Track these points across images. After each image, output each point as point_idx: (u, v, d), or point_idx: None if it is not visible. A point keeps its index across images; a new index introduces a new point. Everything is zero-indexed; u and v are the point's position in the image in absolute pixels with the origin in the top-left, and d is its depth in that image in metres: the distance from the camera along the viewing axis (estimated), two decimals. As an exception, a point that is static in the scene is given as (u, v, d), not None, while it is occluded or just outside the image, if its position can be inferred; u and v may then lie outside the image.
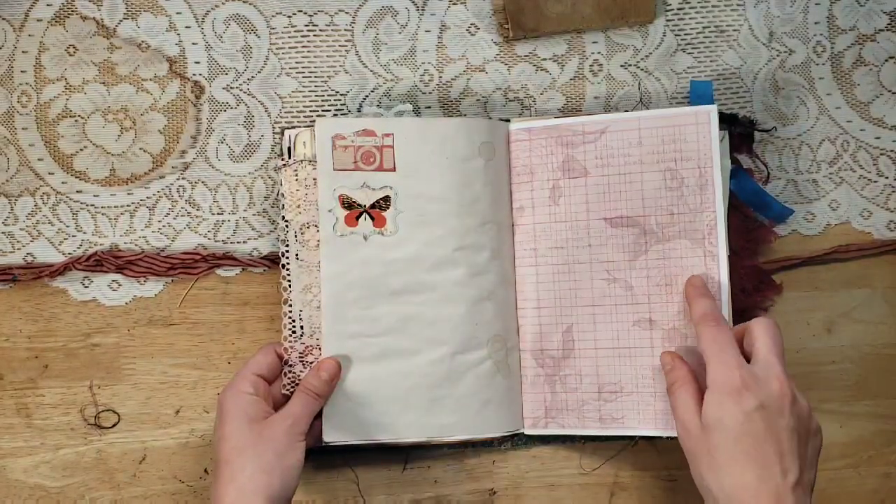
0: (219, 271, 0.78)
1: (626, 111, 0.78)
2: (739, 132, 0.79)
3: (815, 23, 0.81)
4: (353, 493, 0.78)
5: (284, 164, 0.74)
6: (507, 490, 0.79)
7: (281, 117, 0.78)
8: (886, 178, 0.81)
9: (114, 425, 0.77)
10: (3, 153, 0.77)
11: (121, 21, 0.77)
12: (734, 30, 0.80)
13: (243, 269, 0.78)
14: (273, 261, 0.77)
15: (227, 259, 0.77)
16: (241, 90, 0.78)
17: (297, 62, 0.78)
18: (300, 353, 0.73)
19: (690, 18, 0.80)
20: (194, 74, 0.78)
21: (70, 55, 0.77)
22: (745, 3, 0.80)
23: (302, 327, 0.73)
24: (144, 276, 0.77)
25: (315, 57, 0.78)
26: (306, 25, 0.78)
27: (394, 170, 0.73)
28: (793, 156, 0.81)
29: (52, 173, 0.77)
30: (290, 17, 0.78)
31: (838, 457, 0.80)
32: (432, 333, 0.73)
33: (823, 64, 0.81)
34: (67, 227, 0.77)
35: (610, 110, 0.80)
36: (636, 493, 0.79)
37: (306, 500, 0.78)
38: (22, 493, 0.76)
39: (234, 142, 0.78)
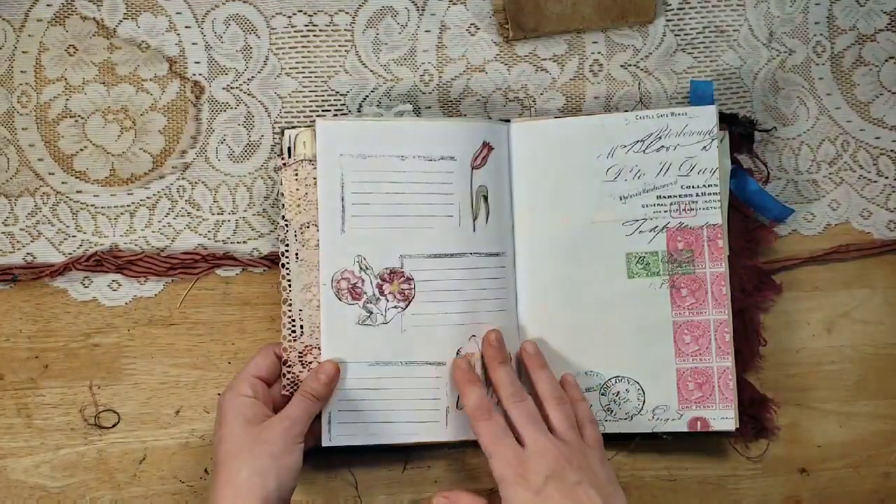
0: (219, 271, 0.78)
1: (626, 111, 0.78)
2: (739, 132, 0.79)
3: (815, 23, 0.81)
4: (352, 493, 0.78)
5: (284, 164, 0.74)
6: (507, 490, 0.79)
7: (281, 117, 0.78)
8: (886, 178, 0.81)
9: (114, 425, 0.77)
10: (3, 153, 0.77)
11: (121, 21, 0.77)
12: (734, 30, 0.80)
13: (243, 269, 0.78)
14: (273, 261, 0.77)
15: (227, 259, 0.77)
16: (241, 90, 0.78)
17: (297, 62, 0.78)
18: (299, 352, 0.73)
19: (690, 18, 0.80)
20: (194, 74, 0.78)
21: (70, 55, 0.77)
22: (745, 3, 0.80)
23: (301, 327, 0.73)
24: (144, 277, 0.77)
25: (315, 57, 0.78)
26: (306, 25, 0.78)
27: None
28: (793, 156, 0.81)
29: (53, 173, 0.77)
30: (290, 17, 0.78)
31: (838, 457, 0.81)
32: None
33: (823, 64, 0.81)
34: (67, 227, 0.77)
35: (610, 110, 0.80)
36: (636, 492, 0.79)
37: (306, 500, 0.78)
38: (22, 493, 0.76)
39: (234, 142, 0.78)
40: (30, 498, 0.76)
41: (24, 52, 0.77)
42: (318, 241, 0.73)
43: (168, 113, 0.78)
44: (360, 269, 0.73)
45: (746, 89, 0.81)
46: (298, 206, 0.74)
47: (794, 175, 0.81)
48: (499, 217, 0.76)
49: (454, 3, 0.79)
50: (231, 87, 0.78)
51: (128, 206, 0.77)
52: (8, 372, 0.76)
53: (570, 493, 0.65)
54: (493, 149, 0.75)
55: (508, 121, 0.77)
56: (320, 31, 0.79)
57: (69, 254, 0.77)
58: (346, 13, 0.79)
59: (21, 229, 0.77)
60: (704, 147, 0.75)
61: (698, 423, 0.75)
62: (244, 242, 0.78)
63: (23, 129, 0.77)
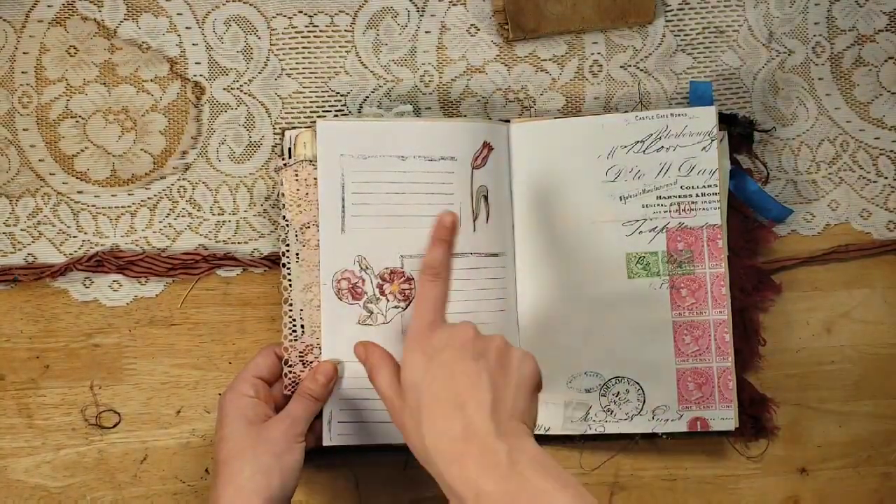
0: (219, 272, 0.78)
1: (626, 112, 0.78)
2: (739, 133, 0.79)
3: (815, 23, 0.81)
4: (352, 493, 0.78)
5: (285, 165, 0.74)
6: (508, 490, 0.79)
7: (281, 118, 0.78)
8: (886, 178, 0.81)
9: (115, 425, 0.77)
10: (5, 154, 0.77)
11: (121, 22, 0.77)
12: (734, 30, 0.81)
13: (244, 270, 0.78)
14: (274, 261, 0.77)
15: (228, 259, 0.78)
16: (241, 91, 0.78)
17: (297, 63, 0.78)
18: (300, 352, 0.73)
19: (690, 19, 0.81)
20: (195, 75, 0.78)
21: (71, 56, 0.77)
22: (745, 3, 0.81)
23: (302, 327, 0.73)
24: (145, 277, 0.77)
25: (315, 58, 0.79)
26: (306, 26, 0.79)
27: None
28: (792, 156, 0.81)
29: (53, 174, 0.77)
30: (290, 18, 0.78)
31: (838, 456, 0.81)
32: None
33: (823, 64, 0.81)
34: (68, 227, 0.77)
35: (610, 111, 0.80)
36: (636, 492, 0.79)
37: (306, 500, 0.78)
38: (23, 494, 0.76)
39: (235, 142, 0.78)
40: (31, 498, 0.76)
41: (24, 52, 0.77)
42: (319, 241, 0.73)
43: (169, 114, 0.78)
44: (361, 268, 0.73)
45: (746, 90, 0.81)
46: (299, 206, 0.74)
47: (793, 175, 0.81)
48: (499, 217, 0.76)
49: (454, 4, 0.79)
50: (232, 88, 0.78)
51: (129, 206, 0.77)
52: (9, 372, 0.77)
53: (463, 371, 0.60)
54: (493, 149, 0.76)
55: (508, 121, 0.78)
56: (321, 31, 0.79)
57: (70, 254, 0.77)
58: (347, 14, 0.79)
59: (22, 230, 0.77)
60: (704, 147, 0.75)
61: (698, 423, 0.76)
62: (245, 243, 0.78)
63: (24, 129, 0.77)
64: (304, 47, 0.79)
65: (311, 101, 0.78)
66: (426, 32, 0.79)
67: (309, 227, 0.73)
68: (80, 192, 0.77)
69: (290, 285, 0.73)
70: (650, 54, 0.80)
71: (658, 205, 0.76)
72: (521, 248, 0.77)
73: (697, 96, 0.79)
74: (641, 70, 0.80)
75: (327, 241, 0.73)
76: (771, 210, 0.79)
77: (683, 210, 0.76)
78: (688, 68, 0.81)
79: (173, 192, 0.78)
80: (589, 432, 0.76)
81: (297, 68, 0.78)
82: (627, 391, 0.76)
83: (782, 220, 0.80)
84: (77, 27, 0.77)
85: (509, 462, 0.56)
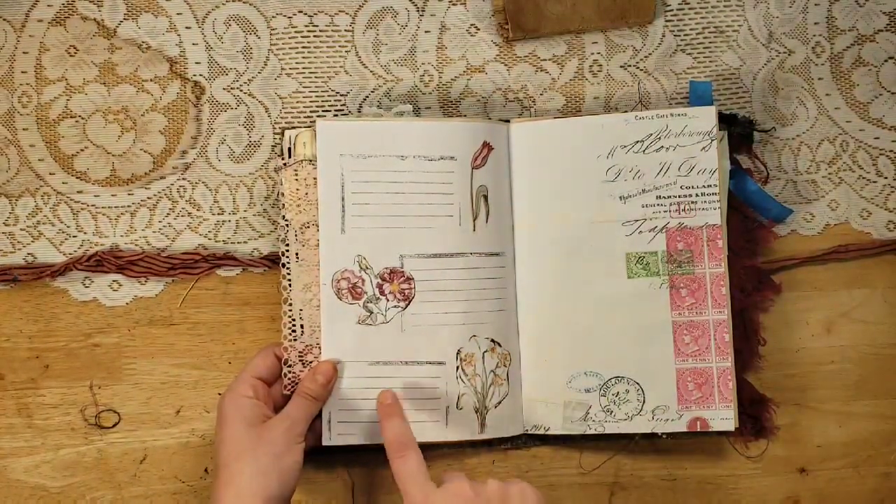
0: (219, 271, 0.78)
1: (626, 111, 0.78)
2: (739, 132, 0.79)
3: (815, 23, 0.81)
4: (351, 493, 0.78)
5: (285, 164, 0.74)
6: (507, 490, 0.79)
7: (281, 118, 0.78)
8: (885, 178, 0.81)
9: (114, 425, 0.77)
10: (4, 153, 0.77)
11: (121, 22, 0.77)
12: (733, 30, 0.81)
13: (244, 270, 0.78)
14: (273, 261, 0.77)
15: (228, 259, 0.78)
16: (241, 91, 0.78)
17: (297, 63, 0.78)
18: (300, 352, 0.73)
19: (690, 19, 0.81)
20: (195, 75, 0.78)
21: (71, 56, 0.77)
22: (745, 3, 0.81)
23: (302, 326, 0.73)
24: (145, 277, 0.77)
25: (315, 58, 0.79)
26: (306, 26, 0.79)
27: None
28: (792, 156, 0.81)
29: (53, 174, 0.77)
30: (290, 17, 0.78)
31: (838, 457, 0.81)
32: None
33: (823, 64, 0.81)
34: (68, 227, 0.77)
35: (610, 111, 0.80)
36: (636, 492, 0.79)
37: (306, 500, 0.78)
38: (23, 493, 0.76)
39: (235, 142, 0.78)
40: (30, 498, 0.76)
41: (24, 52, 0.77)
42: (319, 240, 0.73)
43: (168, 113, 0.78)
44: (361, 268, 0.73)
45: (746, 90, 0.81)
46: (298, 206, 0.74)
47: (793, 175, 0.81)
48: (499, 217, 0.76)
49: (454, 4, 0.79)
50: (231, 88, 0.78)
51: (128, 206, 0.77)
52: (8, 372, 0.77)
53: None
54: (493, 149, 0.76)
55: (508, 121, 0.78)
56: (320, 31, 0.79)
57: (70, 254, 0.77)
58: (347, 14, 0.79)
59: (22, 229, 0.77)
60: (704, 147, 0.75)
61: (698, 423, 0.75)
62: (244, 242, 0.78)
63: (23, 129, 0.77)
64: (303, 47, 0.79)
65: (310, 101, 0.78)
66: (426, 32, 0.79)
67: (309, 227, 0.73)
68: (79, 192, 0.77)
69: (290, 285, 0.73)
70: (650, 54, 0.80)
71: (658, 205, 0.76)
72: (520, 248, 0.77)
73: (697, 96, 0.79)
74: (641, 70, 0.80)
75: (327, 240, 0.73)
76: (771, 210, 0.79)
77: (683, 210, 0.76)
78: (688, 68, 0.81)
79: (173, 192, 0.78)
80: (589, 432, 0.76)
81: (297, 68, 0.78)
82: (627, 391, 0.76)
83: (782, 220, 0.80)
84: (77, 27, 0.77)
85: None
